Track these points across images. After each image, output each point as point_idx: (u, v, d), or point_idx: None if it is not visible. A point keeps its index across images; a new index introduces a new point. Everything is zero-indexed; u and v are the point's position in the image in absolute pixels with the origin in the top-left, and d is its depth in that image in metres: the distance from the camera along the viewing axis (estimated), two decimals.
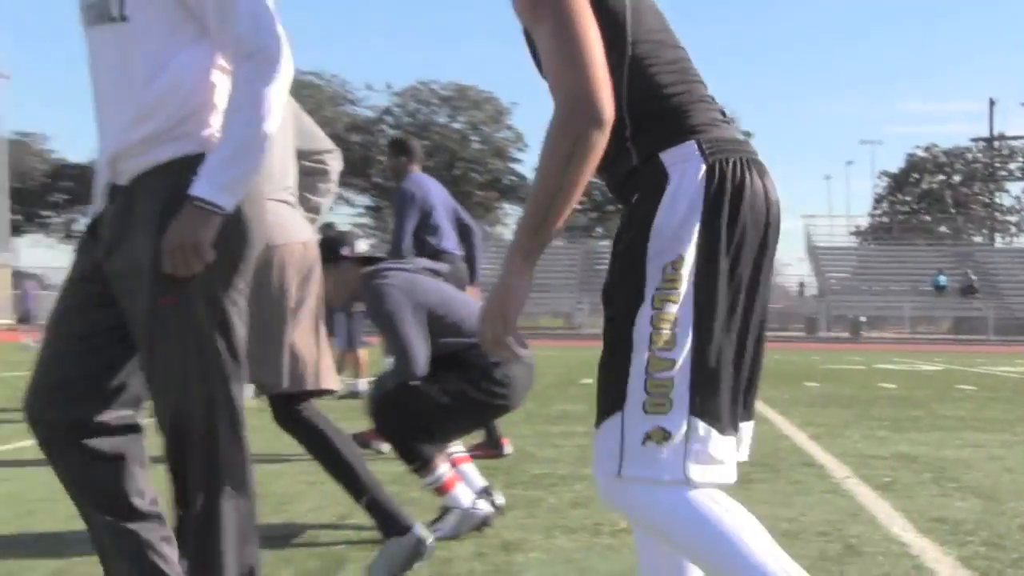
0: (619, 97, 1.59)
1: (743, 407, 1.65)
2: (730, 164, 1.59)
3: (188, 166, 1.90)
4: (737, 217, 1.57)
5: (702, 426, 1.53)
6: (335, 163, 3.39)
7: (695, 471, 1.52)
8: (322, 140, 3.37)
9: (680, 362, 1.54)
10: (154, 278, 1.89)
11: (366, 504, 2.96)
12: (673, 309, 1.54)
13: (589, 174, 1.53)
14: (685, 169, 1.59)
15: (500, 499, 3.61)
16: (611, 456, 1.54)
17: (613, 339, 1.59)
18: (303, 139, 3.23)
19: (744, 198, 1.59)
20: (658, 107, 1.64)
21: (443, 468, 3.36)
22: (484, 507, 3.43)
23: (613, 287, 1.62)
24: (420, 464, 3.30)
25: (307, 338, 2.97)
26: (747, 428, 1.72)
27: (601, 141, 1.51)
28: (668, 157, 1.60)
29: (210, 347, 1.94)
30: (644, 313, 1.55)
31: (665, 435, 1.53)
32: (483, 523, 3.42)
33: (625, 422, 1.54)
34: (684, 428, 1.52)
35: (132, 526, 1.97)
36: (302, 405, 2.98)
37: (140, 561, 1.96)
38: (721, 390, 1.56)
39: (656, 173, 1.60)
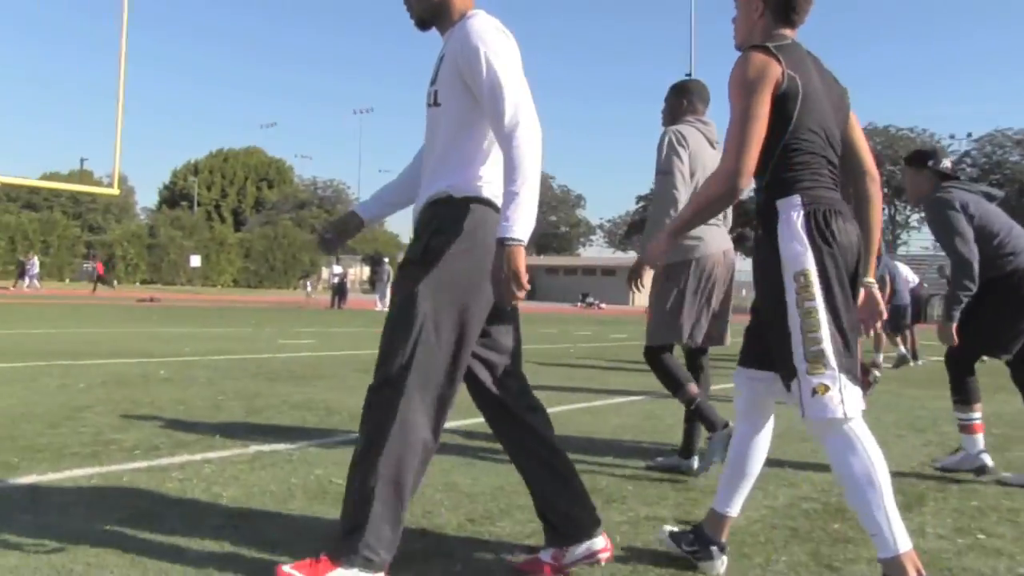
0: (767, 163, 2.73)
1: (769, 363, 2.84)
2: (825, 211, 2.70)
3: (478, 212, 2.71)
4: (830, 244, 2.67)
5: (846, 379, 2.62)
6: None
7: (849, 408, 2.60)
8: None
9: (826, 338, 2.62)
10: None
11: (693, 409, 4.46)
12: (810, 305, 2.65)
13: (712, 213, 2.74)
14: (789, 212, 2.73)
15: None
16: (801, 404, 2.64)
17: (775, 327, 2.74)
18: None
19: (835, 234, 2.68)
20: (785, 172, 2.74)
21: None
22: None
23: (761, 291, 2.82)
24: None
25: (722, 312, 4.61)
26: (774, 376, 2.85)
27: (729, 201, 2.69)
28: (786, 203, 2.74)
29: None
30: (789, 310, 2.69)
31: (826, 388, 2.60)
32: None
33: (800, 380, 2.64)
34: (838, 382, 2.61)
35: None
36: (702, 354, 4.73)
37: None
38: (852, 354, 2.63)
39: (777, 212, 2.76)
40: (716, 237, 4.55)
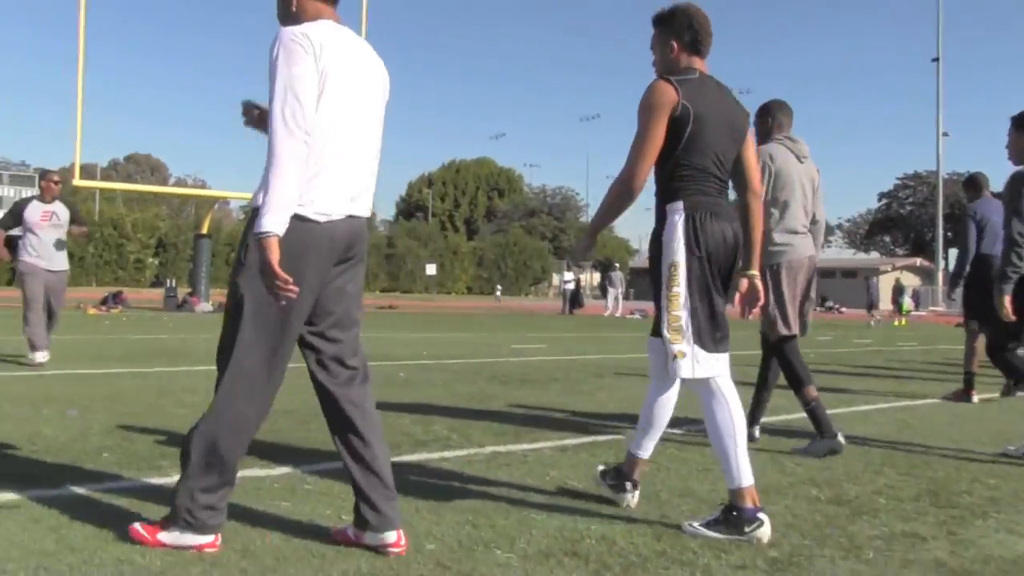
0: (661, 174, 3.38)
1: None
2: (701, 211, 3.29)
3: None
4: (699, 244, 3.26)
5: (699, 350, 3.27)
6: None
7: (697, 371, 3.27)
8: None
9: (684, 316, 3.27)
10: None
11: (808, 410, 5.01)
12: (677, 290, 3.29)
13: (616, 212, 3.43)
14: (672, 216, 3.33)
15: None
16: (668, 365, 3.35)
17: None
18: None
19: (701, 234, 3.27)
20: (673, 183, 3.34)
21: None
22: None
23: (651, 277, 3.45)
24: None
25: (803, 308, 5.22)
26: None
27: (627, 202, 3.38)
28: (671, 208, 3.34)
29: None
30: (663, 292, 3.34)
31: (683, 354, 3.27)
32: None
33: (665, 345, 3.33)
34: (692, 350, 3.26)
35: None
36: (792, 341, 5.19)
37: None
38: (714, 329, 3.29)
39: (663, 216, 3.37)
40: (801, 244, 5.16)
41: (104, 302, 23.67)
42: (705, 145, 3.34)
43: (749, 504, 3.27)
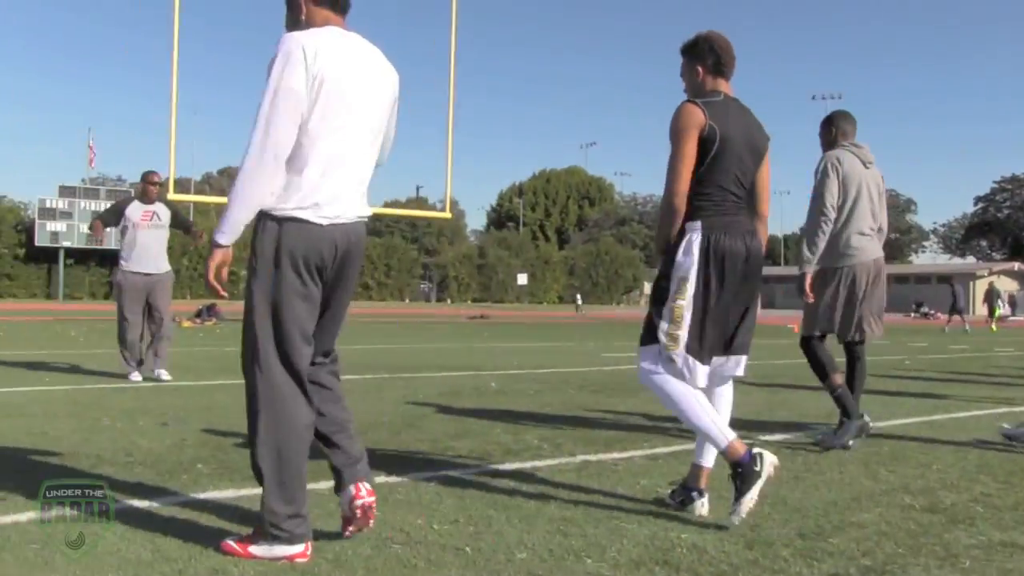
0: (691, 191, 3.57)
1: (728, 350, 3.65)
2: (716, 229, 3.53)
3: None
4: (713, 261, 3.50)
5: (690, 359, 3.53)
6: None
7: (690, 379, 3.54)
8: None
9: (681, 329, 3.53)
10: None
11: (835, 396, 5.30)
12: (681, 303, 3.54)
13: (669, 230, 3.61)
14: (690, 233, 3.56)
15: None
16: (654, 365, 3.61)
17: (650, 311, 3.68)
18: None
19: (716, 251, 3.50)
20: (696, 202, 3.56)
21: None
22: None
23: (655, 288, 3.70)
24: None
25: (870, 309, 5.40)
26: (733, 360, 3.71)
27: (676, 219, 3.58)
28: (689, 227, 3.57)
29: None
30: (667, 303, 3.59)
31: (674, 361, 3.54)
32: None
33: (660, 351, 3.57)
34: (683, 358, 3.53)
35: None
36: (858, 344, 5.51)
37: None
38: (701, 342, 3.52)
39: (681, 234, 3.60)
40: (868, 247, 5.42)
41: (199, 314, 24.02)
42: (728, 164, 3.59)
43: (739, 454, 3.52)
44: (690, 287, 3.52)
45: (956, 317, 29.93)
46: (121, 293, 8.60)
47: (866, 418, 5.41)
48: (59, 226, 46.56)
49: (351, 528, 3.23)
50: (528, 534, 3.39)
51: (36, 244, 46.66)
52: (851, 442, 5.25)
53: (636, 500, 3.96)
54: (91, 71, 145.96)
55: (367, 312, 38.87)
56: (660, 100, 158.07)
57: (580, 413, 6.86)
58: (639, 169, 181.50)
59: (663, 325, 3.57)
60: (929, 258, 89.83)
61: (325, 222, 3.03)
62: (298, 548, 3.03)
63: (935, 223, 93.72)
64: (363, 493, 3.21)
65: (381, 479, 4.30)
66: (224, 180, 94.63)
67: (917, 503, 3.97)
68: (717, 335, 3.60)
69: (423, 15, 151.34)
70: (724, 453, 3.51)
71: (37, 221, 46.76)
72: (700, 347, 3.55)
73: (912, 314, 35.77)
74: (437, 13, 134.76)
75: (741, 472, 3.42)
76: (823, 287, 5.40)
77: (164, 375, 8.50)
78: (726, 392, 3.86)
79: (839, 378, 5.34)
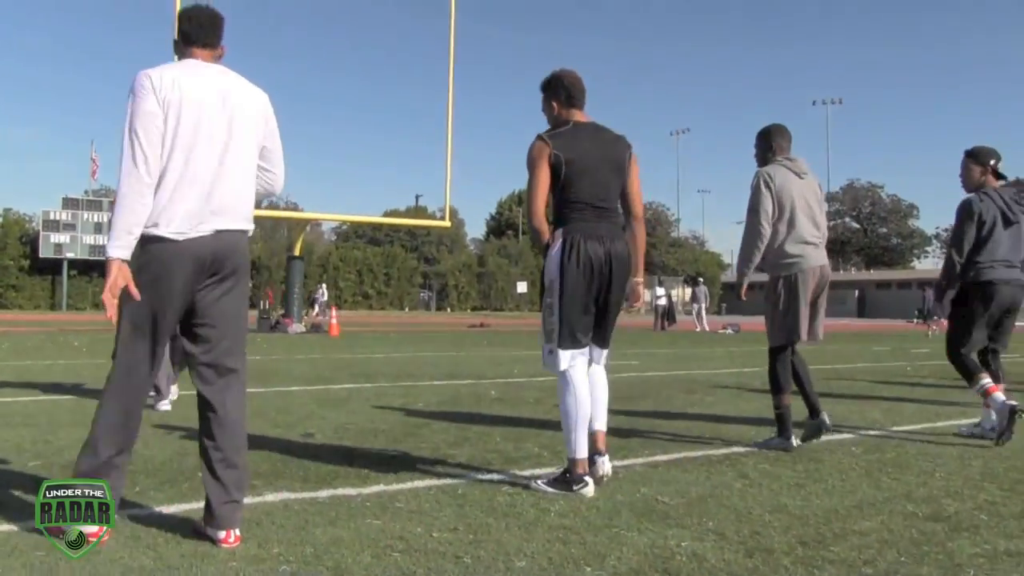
0: (552, 208, 4.26)
1: (596, 341, 4.37)
2: (577, 237, 4.13)
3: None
4: (573, 263, 4.11)
5: (557, 349, 4.22)
6: None
7: (563, 367, 4.23)
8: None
9: (552, 323, 4.22)
10: None
11: (778, 414, 5.52)
12: (550, 301, 4.23)
13: (536, 242, 4.32)
14: (555, 241, 4.18)
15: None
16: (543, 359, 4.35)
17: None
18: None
19: (576, 254, 4.11)
20: (559, 214, 4.20)
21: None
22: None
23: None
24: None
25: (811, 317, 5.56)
26: (600, 351, 4.45)
27: (539, 238, 4.26)
28: (555, 235, 4.20)
29: None
30: (545, 301, 4.27)
31: (551, 352, 4.26)
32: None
33: (541, 344, 4.35)
34: (557, 351, 4.24)
35: None
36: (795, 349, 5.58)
37: None
38: (564, 333, 4.18)
39: (551, 242, 4.22)
40: (812, 254, 5.52)
41: None
42: (582, 181, 4.22)
43: (579, 471, 4.20)
44: (556, 287, 4.20)
45: (933, 321, 29.87)
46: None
47: (823, 417, 5.57)
48: (63, 238, 46.57)
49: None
50: (527, 542, 3.38)
51: (40, 256, 46.69)
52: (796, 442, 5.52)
53: (636, 508, 3.95)
54: (92, 85, 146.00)
55: (367, 320, 38.88)
56: (657, 107, 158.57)
57: None
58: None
59: (543, 320, 4.29)
60: (932, 263, 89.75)
61: (181, 237, 3.25)
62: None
63: (938, 228, 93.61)
64: (231, 540, 3.29)
65: (380, 488, 4.30)
66: None
67: (920, 511, 3.95)
68: (584, 327, 4.26)
69: (422, 24, 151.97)
70: (569, 458, 4.22)
71: (41, 233, 46.76)
72: (569, 338, 4.22)
73: (915, 320, 35.66)
74: (436, 22, 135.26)
75: (567, 478, 4.22)
76: (776, 298, 5.56)
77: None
78: (600, 378, 4.50)
79: (787, 399, 5.55)
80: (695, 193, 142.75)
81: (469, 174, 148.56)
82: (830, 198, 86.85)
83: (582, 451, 4.22)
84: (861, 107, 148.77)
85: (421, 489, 4.28)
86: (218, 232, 3.31)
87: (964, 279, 6.12)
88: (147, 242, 3.24)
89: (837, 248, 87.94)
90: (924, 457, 5.31)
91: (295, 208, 67.69)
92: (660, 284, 35.43)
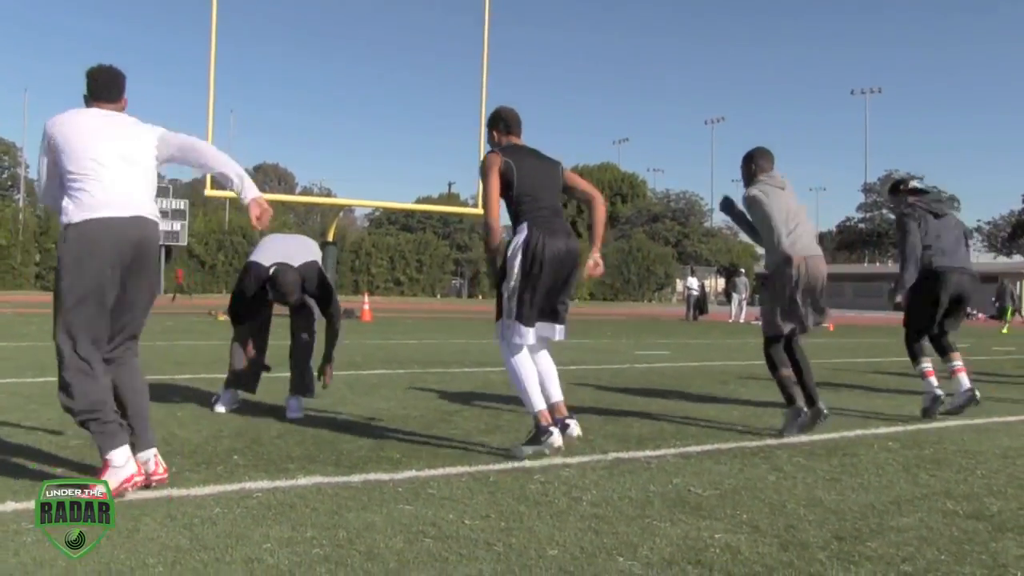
0: (510, 208, 4.94)
1: (549, 318, 4.91)
2: (537, 234, 4.75)
3: None
4: (539, 255, 4.72)
5: (519, 325, 4.76)
6: None
7: (518, 340, 4.78)
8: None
9: (512, 302, 4.78)
10: None
11: (780, 385, 5.86)
12: (513, 284, 4.78)
13: (490, 239, 5.02)
14: (519, 234, 4.80)
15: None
16: (498, 334, 4.91)
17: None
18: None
19: (542, 250, 4.73)
20: (519, 213, 4.86)
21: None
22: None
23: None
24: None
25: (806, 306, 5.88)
26: (557, 327, 4.98)
27: (492, 237, 5.00)
28: (518, 229, 4.83)
29: None
30: (503, 285, 4.85)
31: (508, 327, 4.81)
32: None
33: (503, 321, 4.86)
34: (513, 325, 4.78)
35: None
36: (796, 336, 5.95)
37: None
38: (525, 312, 4.77)
39: (514, 234, 4.84)
40: (804, 249, 5.85)
41: None
42: (532, 184, 4.92)
43: (543, 422, 4.73)
44: (515, 272, 4.77)
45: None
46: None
47: (820, 405, 5.82)
48: None
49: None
50: (559, 531, 3.38)
51: None
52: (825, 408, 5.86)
53: (668, 499, 3.93)
54: (132, 72, 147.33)
55: (398, 307, 39.01)
56: (690, 96, 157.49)
57: (612, 410, 6.83)
58: (672, 165, 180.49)
59: (503, 303, 4.85)
60: (972, 257, 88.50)
61: (83, 220, 3.83)
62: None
63: (979, 221, 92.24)
64: (160, 471, 3.92)
65: (412, 473, 4.31)
66: (259, 176, 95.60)
67: (960, 509, 3.89)
68: (539, 308, 4.82)
69: (455, 9, 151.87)
70: (534, 416, 4.78)
71: None
72: (525, 315, 4.77)
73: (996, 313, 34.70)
74: (470, 8, 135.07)
75: (535, 433, 4.74)
76: (777, 290, 5.91)
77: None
78: (546, 357, 5.03)
79: (786, 371, 5.88)
80: (729, 183, 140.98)
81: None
82: (867, 189, 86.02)
83: (540, 403, 4.78)
84: (901, 97, 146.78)
85: (453, 476, 4.29)
86: (133, 217, 3.92)
87: None
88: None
89: (875, 240, 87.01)
90: (964, 454, 5.23)
91: (328, 194, 68.03)
92: (692, 274, 35.24)
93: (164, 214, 50.27)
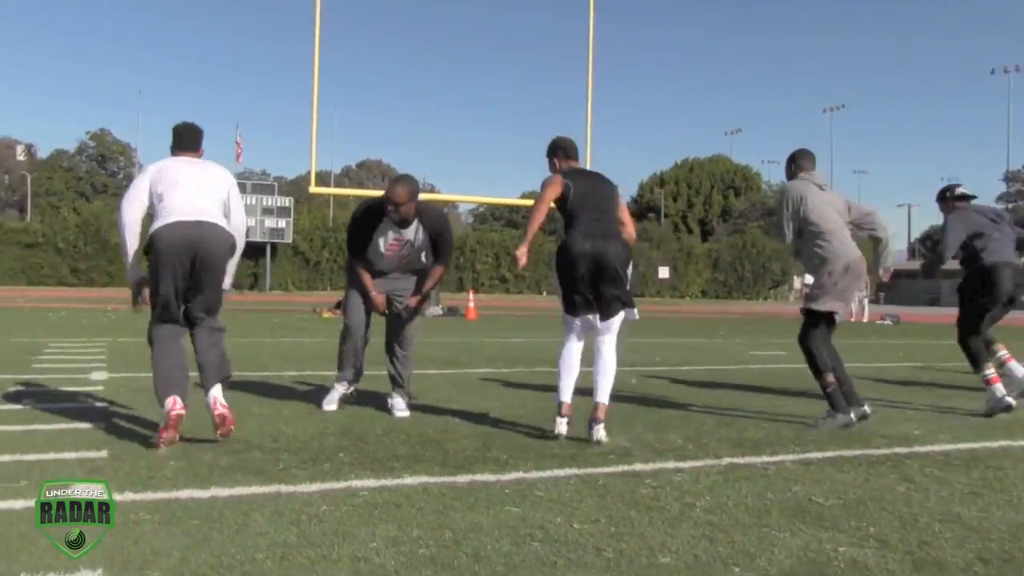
0: (564, 218, 5.75)
1: (598, 314, 5.61)
2: (572, 239, 5.56)
3: None
4: (568, 256, 5.57)
5: (565, 314, 5.67)
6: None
7: (565, 330, 5.72)
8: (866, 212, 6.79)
9: (559, 295, 5.72)
10: None
11: (827, 392, 6.25)
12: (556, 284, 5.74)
13: (521, 243, 5.79)
14: (562, 241, 5.66)
15: None
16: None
17: None
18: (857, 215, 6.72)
19: (571, 251, 5.54)
20: (569, 224, 5.67)
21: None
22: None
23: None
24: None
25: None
26: (605, 321, 5.63)
27: (522, 240, 5.78)
28: (564, 235, 5.67)
29: None
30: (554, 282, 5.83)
31: (566, 318, 5.70)
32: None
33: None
34: (565, 316, 5.70)
35: None
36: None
37: None
38: (566, 302, 5.64)
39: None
40: (845, 239, 6.50)
41: (338, 306, 24.69)
42: (580, 201, 5.64)
43: (562, 411, 5.47)
44: (558, 274, 5.63)
45: None
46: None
47: (865, 408, 6.34)
48: None
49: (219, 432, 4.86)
50: (672, 538, 3.33)
51: None
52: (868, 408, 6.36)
53: (787, 508, 3.84)
54: (238, 70, 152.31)
55: (504, 305, 39.22)
56: (808, 83, 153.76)
57: (726, 413, 6.73)
58: (787, 156, 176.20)
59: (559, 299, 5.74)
60: None
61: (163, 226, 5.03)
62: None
63: None
64: (219, 407, 4.88)
65: (519, 475, 4.32)
66: (362, 173, 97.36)
67: None
68: (582, 302, 5.57)
69: (561, 13, 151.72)
70: (557, 403, 5.54)
71: None
72: (567, 307, 5.62)
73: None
74: (575, 11, 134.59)
75: (554, 427, 5.44)
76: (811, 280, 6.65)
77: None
78: (607, 352, 5.63)
79: (831, 376, 6.28)
80: (850, 174, 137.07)
81: (609, 155, 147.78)
82: (1009, 177, 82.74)
83: (564, 397, 5.50)
84: None
85: (561, 478, 4.28)
86: (198, 222, 5.06)
87: None
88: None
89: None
90: None
91: (432, 190, 68.73)
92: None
93: (269, 211, 51.74)
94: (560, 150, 6.00)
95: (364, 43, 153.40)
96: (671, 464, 4.68)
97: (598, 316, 5.60)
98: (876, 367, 11.19)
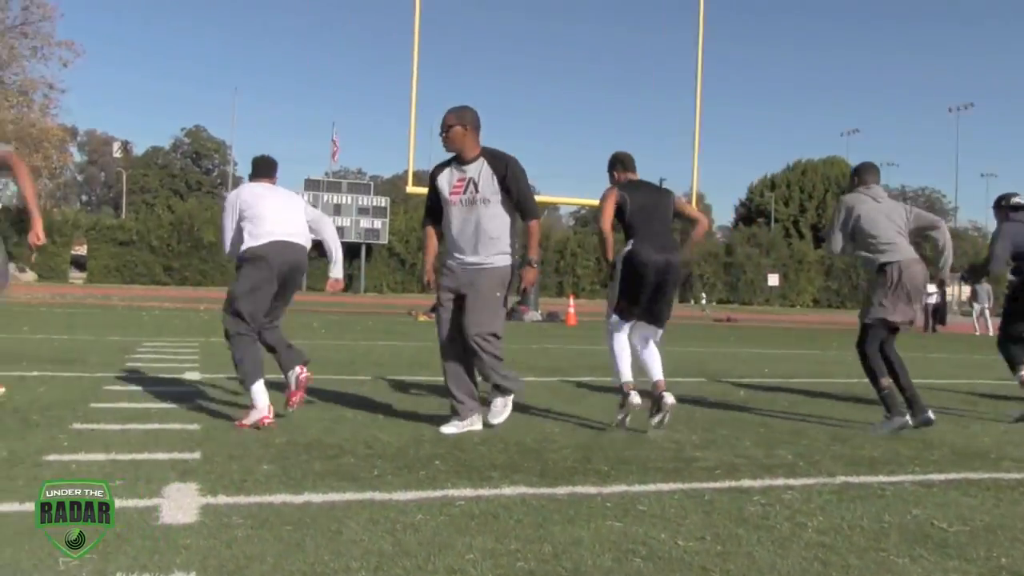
0: (624, 229, 6.44)
1: (650, 320, 6.40)
2: (640, 248, 6.21)
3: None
4: (638, 264, 6.20)
5: (618, 319, 6.38)
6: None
7: (618, 329, 6.41)
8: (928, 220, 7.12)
9: (614, 298, 6.39)
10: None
11: (883, 395, 6.58)
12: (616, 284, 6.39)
13: (603, 248, 6.47)
14: (626, 248, 6.32)
15: None
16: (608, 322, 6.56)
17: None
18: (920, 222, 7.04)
19: (641, 260, 6.19)
20: (630, 233, 6.37)
21: None
22: None
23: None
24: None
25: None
26: (657, 331, 6.49)
27: (604, 241, 6.45)
28: (627, 244, 6.34)
29: None
30: (612, 284, 6.48)
31: (610, 315, 6.47)
32: None
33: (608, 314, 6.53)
34: (615, 319, 6.41)
35: None
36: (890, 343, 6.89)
37: None
38: (623, 308, 6.34)
39: (624, 248, 6.35)
40: (901, 248, 6.79)
41: (433, 309, 25.02)
42: (642, 213, 6.29)
43: (626, 389, 6.17)
44: (618, 277, 6.25)
45: None
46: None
47: (929, 414, 6.58)
48: None
49: (294, 399, 5.91)
50: (782, 559, 3.27)
51: None
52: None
53: (906, 532, 3.73)
54: (335, 67, 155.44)
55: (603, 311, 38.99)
56: (932, 81, 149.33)
57: (840, 429, 6.58)
58: (909, 159, 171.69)
59: (611, 301, 6.38)
60: None
61: (264, 243, 6.01)
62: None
63: None
64: (305, 371, 5.99)
65: (622, 488, 4.29)
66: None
67: None
68: (636, 309, 6.24)
69: (670, 27, 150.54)
70: (618, 384, 6.25)
71: None
72: (623, 311, 6.25)
73: None
74: (685, 22, 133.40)
75: (621, 399, 6.21)
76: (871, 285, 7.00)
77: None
78: (652, 350, 6.36)
79: (887, 380, 6.63)
80: (977, 177, 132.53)
81: (716, 156, 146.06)
82: None
83: (626, 376, 6.23)
84: None
85: (665, 492, 4.24)
86: (286, 242, 6.10)
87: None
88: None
89: None
90: None
91: (533, 191, 68.74)
92: (931, 280, 33.27)
93: (364, 211, 52.55)
94: (619, 163, 6.71)
95: (456, 43, 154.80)
96: (781, 481, 4.60)
97: (656, 328, 6.39)
98: (999, 383, 10.80)
